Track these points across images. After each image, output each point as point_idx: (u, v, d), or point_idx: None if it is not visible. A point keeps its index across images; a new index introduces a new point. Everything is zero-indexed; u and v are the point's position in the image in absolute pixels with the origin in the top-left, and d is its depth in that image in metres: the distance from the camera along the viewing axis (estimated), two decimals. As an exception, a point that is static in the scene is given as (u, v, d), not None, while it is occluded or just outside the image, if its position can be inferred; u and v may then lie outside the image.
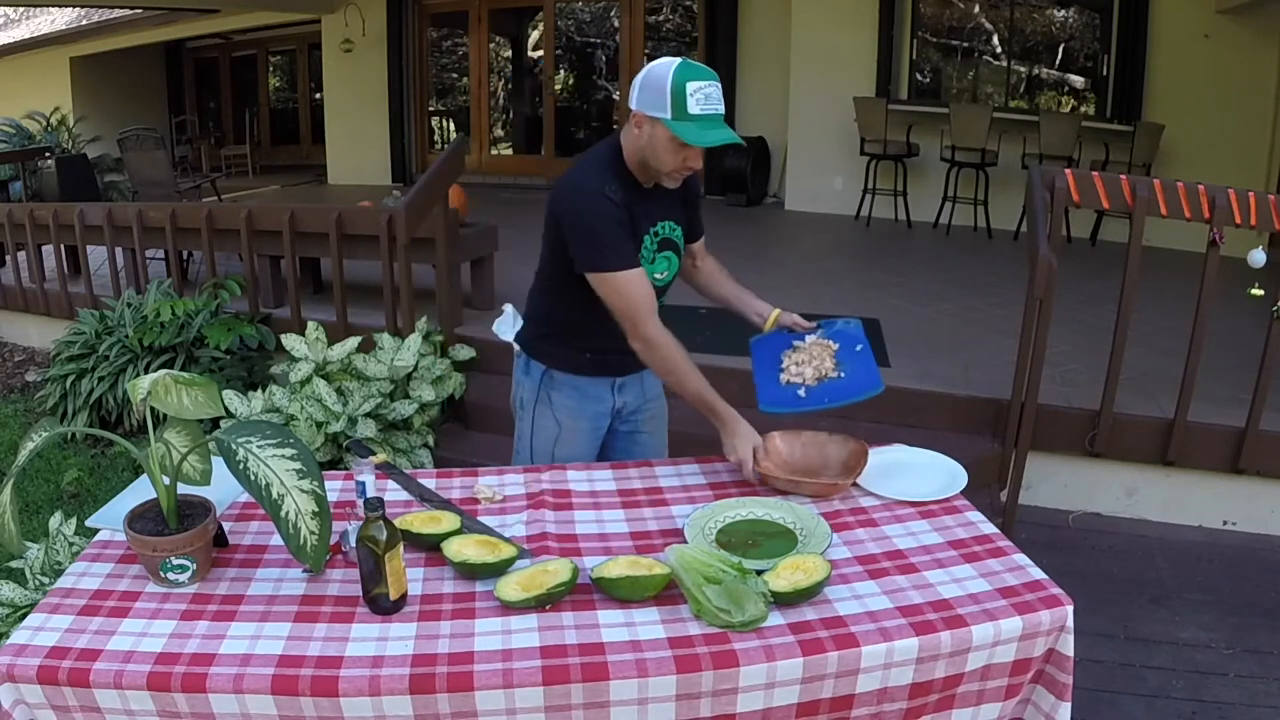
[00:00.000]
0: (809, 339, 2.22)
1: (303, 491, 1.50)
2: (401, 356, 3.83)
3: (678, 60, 1.93)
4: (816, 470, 2.04)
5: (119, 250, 5.38)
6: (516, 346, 2.32)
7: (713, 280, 2.37)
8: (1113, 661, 2.71)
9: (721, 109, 1.93)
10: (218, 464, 1.65)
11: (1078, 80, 7.99)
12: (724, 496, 1.93)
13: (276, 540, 1.72)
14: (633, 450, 2.35)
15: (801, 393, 2.07)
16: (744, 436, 2.01)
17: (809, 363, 2.12)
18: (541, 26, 10.24)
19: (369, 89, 10.13)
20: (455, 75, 11.14)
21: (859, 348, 2.14)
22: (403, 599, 1.55)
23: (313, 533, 1.50)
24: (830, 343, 2.17)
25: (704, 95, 1.89)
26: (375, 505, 1.51)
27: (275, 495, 1.48)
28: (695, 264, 2.37)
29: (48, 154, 7.88)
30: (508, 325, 2.38)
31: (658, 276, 2.12)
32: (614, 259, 1.97)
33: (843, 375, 2.09)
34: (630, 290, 1.98)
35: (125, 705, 1.38)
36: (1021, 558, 1.71)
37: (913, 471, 2.04)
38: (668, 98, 1.89)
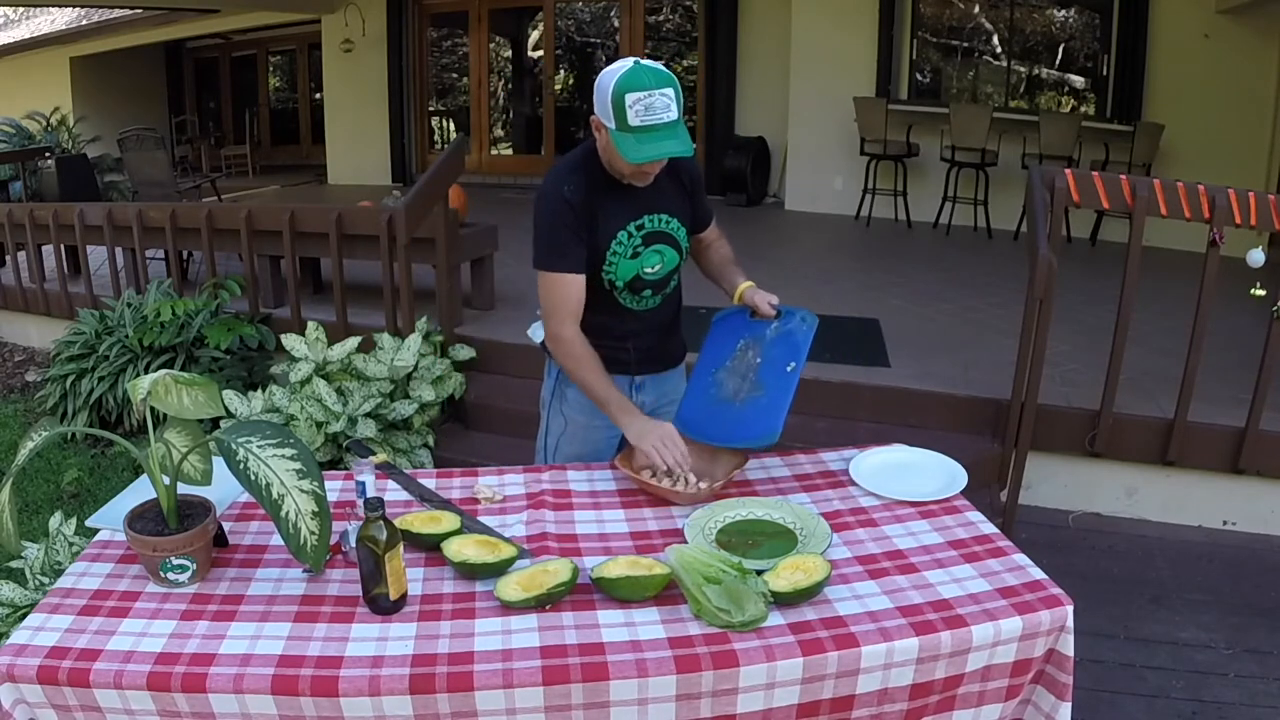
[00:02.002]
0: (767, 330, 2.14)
1: (303, 491, 1.50)
2: (401, 356, 3.83)
3: (627, 65, 1.87)
4: (700, 475, 2.00)
5: (119, 250, 5.38)
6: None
7: (710, 258, 2.32)
8: (1113, 661, 2.71)
9: (668, 117, 1.86)
10: (218, 464, 1.65)
11: (1078, 80, 7.99)
12: (724, 497, 1.93)
13: (276, 540, 1.72)
14: None
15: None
16: (641, 434, 2.00)
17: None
18: (541, 26, 10.24)
19: (369, 89, 10.13)
20: (455, 75, 11.13)
21: (790, 367, 2.02)
22: (403, 599, 1.55)
23: (313, 533, 1.50)
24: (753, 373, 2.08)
25: (644, 106, 1.84)
26: (375, 505, 1.51)
27: (275, 495, 1.48)
28: (703, 248, 2.34)
29: (48, 154, 7.88)
30: (540, 328, 2.38)
31: (648, 270, 2.11)
32: (548, 259, 2.04)
33: (757, 396, 2.00)
34: (556, 291, 2.05)
35: (125, 705, 1.38)
36: (1021, 558, 1.71)
37: (913, 471, 2.04)
38: (609, 108, 1.86)
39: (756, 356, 2.09)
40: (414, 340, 3.90)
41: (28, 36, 12.17)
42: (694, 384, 2.15)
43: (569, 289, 2.05)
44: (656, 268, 2.13)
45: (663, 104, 1.86)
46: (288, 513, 1.48)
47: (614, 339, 2.18)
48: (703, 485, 1.94)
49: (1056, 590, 1.60)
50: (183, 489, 1.65)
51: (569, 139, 10.25)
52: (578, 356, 2.07)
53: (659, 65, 1.91)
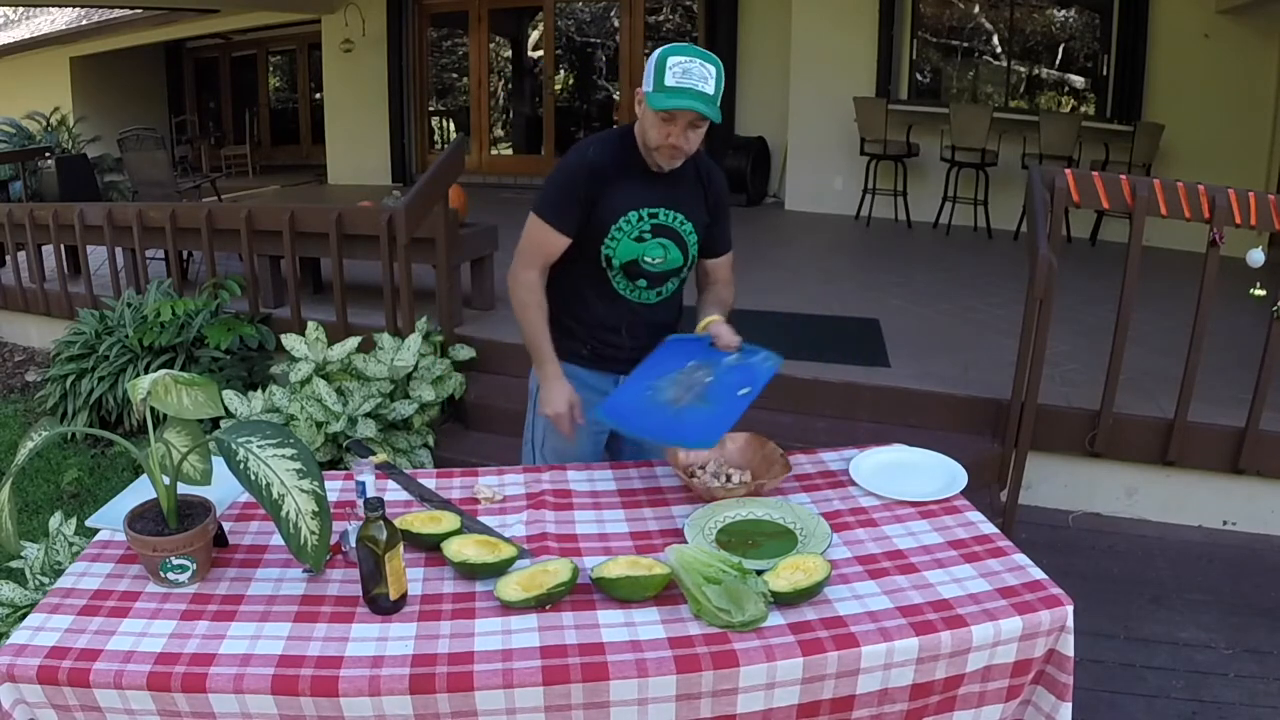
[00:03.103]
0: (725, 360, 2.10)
1: (303, 491, 1.50)
2: (401, 356, 3.83)
3: (680, 44, 1.99)
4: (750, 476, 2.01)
5: (119, 250, 5.38)
6: None
7: (708, 291, 2.32)
8: (1113, 661, 2.71)
9: (701, 86, 1.92)
10: (218, 464, 1.65)
11: (1078, 80, 7.99)
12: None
13: (276, 540, 1.72)
14: (640, 450, 2.32)
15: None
16: (558, 391, 2.15)
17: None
18: (541, 26, 10.24)
19: (369, 89, 10.12)
20: (455, 75, 11.14)
21: (744, 391, 1.99)
22: (403, 599, 1.55)
23: (313, 533, 1.50)
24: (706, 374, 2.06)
25: (682, 69, 1.92)
26: (375, 505, 1.51)
27: (275, 495, 1.48)
28: (708, 281, 2.31)
29: (48, 154, 7.89)
30: None
31: (649, 260, 2.13)
32: (544, 208, 2.11)
33: (699, 407, 1.96)
34: (536, 237, 2.12)
35: (125, 705, 1.38)
36: (1021, 558, 1.71)
37: (913, 471, 2.04)
38: (651, 71, 1.95)
39: (707, 376, 2.05)
40: (414, 340, 3.90)
41: (28, 36, 12.18)
42: (631, 384, 2.09)
43: (547, 239, 2.11)
44: (657, 260, 2.14)
45: (701, 74, 1.92)
46: (288, 513, 1.48)
47: (607, 329, 2.19)
48: (742, 480, 1.96)
49: (1056, 590, 1.60)
50: (183, 489, 1.65)
51: (569, 139, 10.25)
52: (528, 301, 2.15)
53: (711, 53, 1.99)
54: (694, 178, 2.16)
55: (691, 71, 1.92)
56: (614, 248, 2.10)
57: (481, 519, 1.85)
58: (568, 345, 2.23)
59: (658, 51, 1.97)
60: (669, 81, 1.92)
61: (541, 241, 2.12)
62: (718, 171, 2.25)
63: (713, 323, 2.16)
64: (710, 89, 1.94)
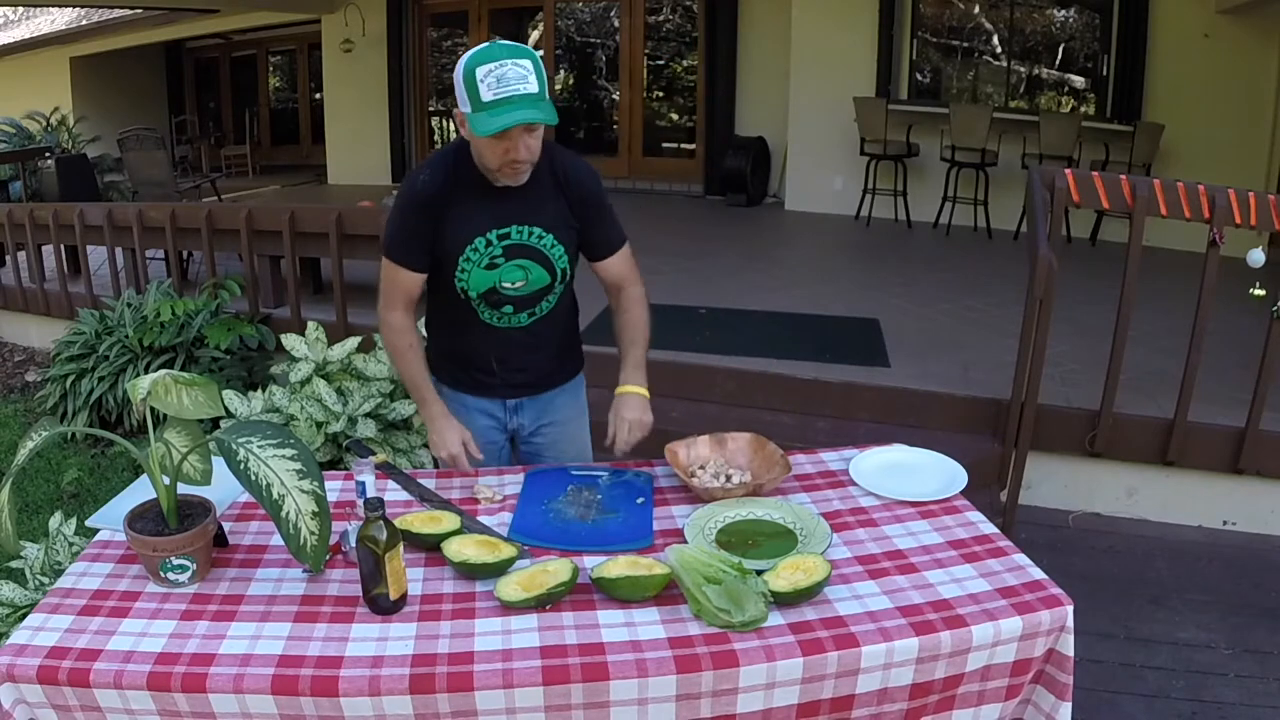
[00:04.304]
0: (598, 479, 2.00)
1: (303, 491, 1.50)
2: (401, 356, 3.82)
3: (482, 45, 1.78)
4: (752, 477, 2.00)
5: (119, 250, 5.38)
6: None
7: (619, 318, 2.16)
8: (1113, 661, 2.71)
9: (526, 88, 1.72)
10: (218, 464, 1.65)
11: (1078, 80, 7.99)
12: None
13: (276, 540, 1.72)
14: (536, 458, 2.25)
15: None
16: (453, 430, 2.05)
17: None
18: (541, 26, 10.24)
19: (369, 89, 10.13)
20: (455, 75, 11.14)
21: (640, 500, 1.92)
22: (403, 599, 1.55)
23: (313, 533, 1.50)
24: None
25: (495, 78, 1.72)
26: (375, 505, 1.51)
27: (275, 495, 1.48)
28: (614, 293, 2.15)
29: (48, 154, 7.89)
30: None
31: (507, 285, 1.98)
32: (388, 245, 2.01)
33: (609, 518, 1.86)
34: (388, 277, 2.03)
35: (126, 705, 1.38)
36: (1021, 558, 1.71)
37: (913, 471, 2.04)
38: (463, 90, 1.77)
39: (595, 495, 1.95)
40: (414, 340, 3.90)
41: (28, 36, 12.18)
42: (527, 508, 1.90)
43: (399, 278, 2.01)
44: (518, 284, 1.98)
45: (517, 74, 1.73)
46: (288, 513, 1.48)
47: (479, 357, 2.10)
48: (742, 480, 1.95)
49: (1056, 590, 1.60)
50: (183, 489, 1.65)
51: (568, 139, 10.25)
52: (398, 344, 2.08)
53: (519, 44, 1.80)
54: (550, 183, 1.95)
55: (506, 76, 1.71)
56: (466, 279, 1.95)
57: (481, 519, 1.85)
58: (453, 374, 2.16)
59: (462, 62, 1.76)
60: (486, 96, 1.71)
61: (396, 282, 2.00)
62: (579, 166, 2.01)
63: (629, 393, 2.06)
64: (533, 87, 1.73)
